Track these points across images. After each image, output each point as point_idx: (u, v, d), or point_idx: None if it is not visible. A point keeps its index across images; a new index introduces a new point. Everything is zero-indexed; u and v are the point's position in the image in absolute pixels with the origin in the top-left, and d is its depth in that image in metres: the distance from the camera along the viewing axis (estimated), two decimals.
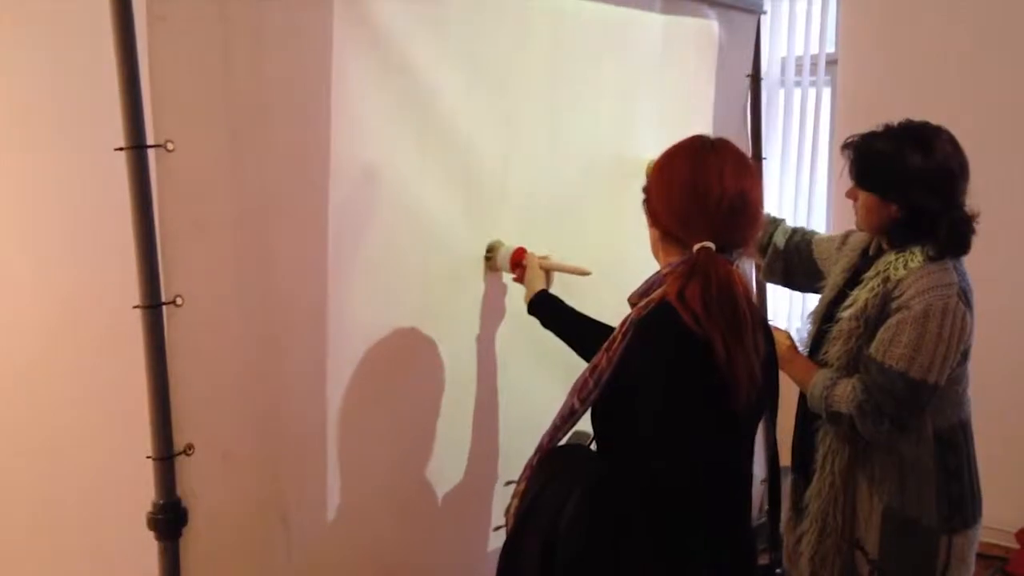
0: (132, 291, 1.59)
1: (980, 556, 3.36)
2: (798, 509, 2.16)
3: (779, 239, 2.38)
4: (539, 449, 1.66)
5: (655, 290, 1.55)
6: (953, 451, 1.99)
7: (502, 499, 1.67)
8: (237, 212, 1.71)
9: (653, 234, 1.64)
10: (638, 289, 1.62)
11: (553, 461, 1.64)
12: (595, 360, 1.57)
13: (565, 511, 1.49)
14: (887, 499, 1.97)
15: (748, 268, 1.62)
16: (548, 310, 2.03)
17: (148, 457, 1.63)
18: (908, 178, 1.90)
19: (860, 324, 1.94)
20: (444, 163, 2.08)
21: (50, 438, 2.14)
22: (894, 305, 1.90)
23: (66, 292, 2.10)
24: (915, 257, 1.92)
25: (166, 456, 1.64)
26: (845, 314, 1.97)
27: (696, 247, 1.51)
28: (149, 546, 1.65)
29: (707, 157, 1.56)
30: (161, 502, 1.64)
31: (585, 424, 1.64)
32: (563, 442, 1.67)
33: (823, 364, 2.01)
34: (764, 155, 3.11)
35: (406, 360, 2.05)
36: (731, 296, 1.46)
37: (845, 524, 2.01)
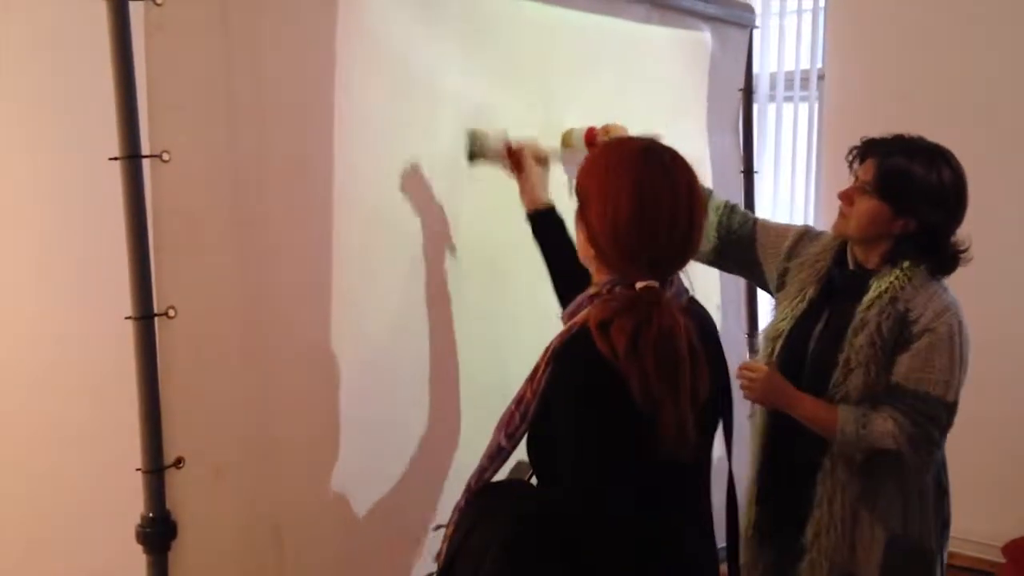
0: (125, 302, 1.58)
1: (967, 570, 3.41)
2: (759, 528, 2.10)
3: (712, 216, 2.19)
4: (467, 490, 1.56)
5: (581, 312, 1.46)
6: (944, 468, 2.00)
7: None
8: (233, 223, 1.70)
9: (586, 248, 1.52)
10: (568, 308, 1.53)
11: (480, 502, 1.53)
12: (520, 392, 1.49)
13: (484, 565, 1.43)
14: (892, 528, 1.92)
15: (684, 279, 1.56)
16: (548, 226, 1.91)
17: (138, 470, 1.62)
18: (936, 198, 1.87)
19: (877, 350, 1.86)
20: (447, 170, 2.08)
21: (39, 449, 2.13)
22: (915, 329, 1.85)
23: (58, 302, 2.09)
24: (916, 275, 1.89)
25: (156, 469, 1.62)
26: (857, 341, 1.88)
27: (639, 286, 1.41)
28: (138, 560, 1.63)
29: (658, 181, 1.44)
30: (150, 515, 1.62)
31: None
32: (504, 475, 1.59)
33: (832, 397, 1.90)
34: (756, 169, 3.12)
35: (407, 373, 2.04)
36: (672, 351, 1.36)
37: (847, 558, 1.95)
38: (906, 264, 1.90)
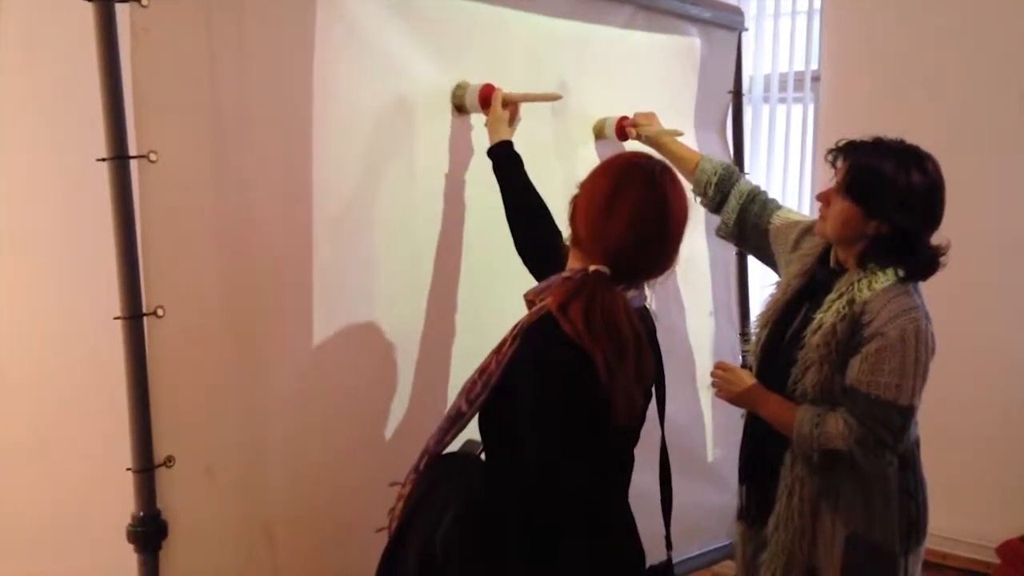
0: (114, 302, 1.59)
1: (962, 571, 3.41)
2: (750, 519, 2.13)
3: (733, 203, 2.31)
4: (425, 452, 1.64)
5: (549, 294, 1.55)
6: (912, 471, 1.99)
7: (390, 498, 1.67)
8: (220, 223, 1.72)
9: (569, 229, 1.63)
10: (536, 287, 1.61)
11: (437, 469, 1.62)
12: (485, 362, 1.57)
13: (439, 532, 1.50)
14: (852, 526, 1.93)
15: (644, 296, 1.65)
16: (506, 161, 2.03)
17: (128, 469, 1.63)
18: (905, 200, 1.86)
19: (831, 350, 1.89)
20: (428, 170, 2.09)
21: (29, 448, 2.13)
22: (866, 333, 1.86)
23: (48, 302, 2.09)
24: (878, 278, 1.89)
25: (146, 468, 1.63)
26: (813, 340, 1.91)
27: (591, 268, 1.52)
28: (129, 559, 1.64)
29: (635, 185, 1.55)
30: (141, 514, 1.63)
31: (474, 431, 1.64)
32: (454, 449, 1.66)
33: (793, 394, 1.94)
34: (747, 170, 3.13)
35: (394, 371, 2.04)
36: (614, 324, 1.47)
37: (808, 553, 1.96)
38: (871, 266, 1.90)
